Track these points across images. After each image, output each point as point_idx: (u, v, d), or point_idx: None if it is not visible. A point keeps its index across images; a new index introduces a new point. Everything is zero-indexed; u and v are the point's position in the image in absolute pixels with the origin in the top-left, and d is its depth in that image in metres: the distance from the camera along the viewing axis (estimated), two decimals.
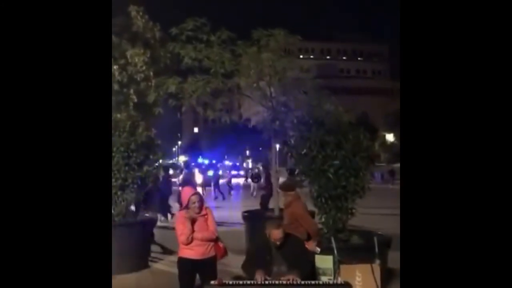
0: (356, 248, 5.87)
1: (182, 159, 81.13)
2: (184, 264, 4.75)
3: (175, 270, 7.25)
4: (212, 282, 4.28)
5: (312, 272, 4.71)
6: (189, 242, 4.64)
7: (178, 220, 4.80)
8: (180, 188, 15.14)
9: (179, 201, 5.07)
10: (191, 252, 4.71)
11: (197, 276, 4.82)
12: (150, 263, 7.96)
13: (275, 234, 4.37)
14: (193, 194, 4.74)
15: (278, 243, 4.39)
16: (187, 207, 4.72)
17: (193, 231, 4.66)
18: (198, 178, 22.35)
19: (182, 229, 4.64)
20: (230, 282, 4.18)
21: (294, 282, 4.12)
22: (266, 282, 4.18)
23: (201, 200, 4.77)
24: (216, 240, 4.84)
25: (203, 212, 4.77)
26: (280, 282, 4.16)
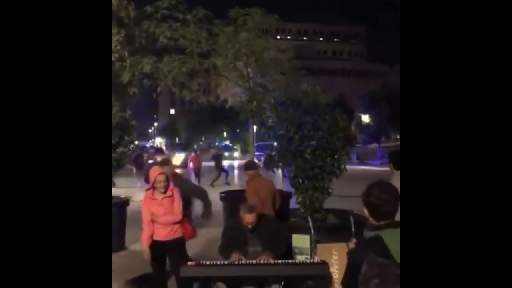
0: (333, 227, 5.95)
1: (158, 140, 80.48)
2: (152, 246, 4.74)
3: None
4: (189, 263, 4.28)
5: (286, 250, 4.76)
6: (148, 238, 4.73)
7: (143, 203, 4.79)
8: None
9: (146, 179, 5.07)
10: (155, 234, 4.73)
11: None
12: (126, 245, 7.91)
13: (247, 218, 4.40)
14: (159, 174, 4.69)
15: (250, 226, 4.42)
16: (153, 186, 4.69)
17: (158, 214, 4.67)
18: (177, 159, 22.00)
19: (144, 223, 4.76)
20: (208, 263, 4.19)
21: (270, 262, 4.16)
22: (243, 262, 4.21)
23: (167, 180, 4.72)
24: (181, 221, 4.81)
25: (169, 193, 4.73)
26: (258, 261, 4.19)
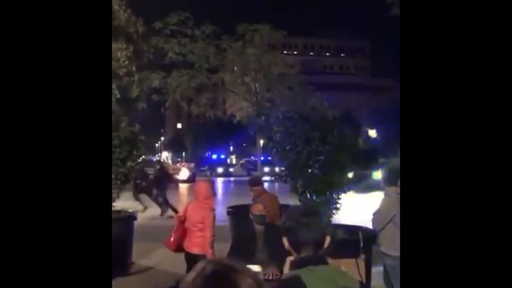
0: (341, 243, 5.89)
1: (165, 154, 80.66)
2: (190, 259, 4.93)
3: (159, 266, 7.26)
4: None
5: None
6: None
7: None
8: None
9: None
10: (197, 249, 4.91)
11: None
12: (133, 260, 7.88)
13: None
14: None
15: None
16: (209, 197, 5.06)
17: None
18: (184, 173, 21.94)
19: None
20: None
21: (276, 277, 4.11)
22: None
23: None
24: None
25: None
26: (267, 277, 4.14)
